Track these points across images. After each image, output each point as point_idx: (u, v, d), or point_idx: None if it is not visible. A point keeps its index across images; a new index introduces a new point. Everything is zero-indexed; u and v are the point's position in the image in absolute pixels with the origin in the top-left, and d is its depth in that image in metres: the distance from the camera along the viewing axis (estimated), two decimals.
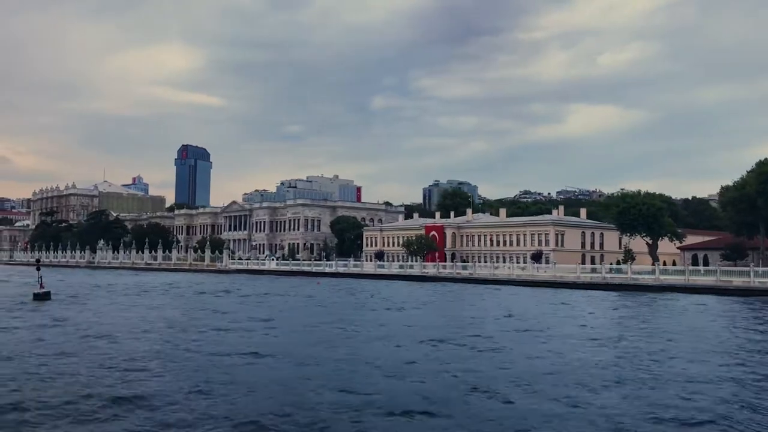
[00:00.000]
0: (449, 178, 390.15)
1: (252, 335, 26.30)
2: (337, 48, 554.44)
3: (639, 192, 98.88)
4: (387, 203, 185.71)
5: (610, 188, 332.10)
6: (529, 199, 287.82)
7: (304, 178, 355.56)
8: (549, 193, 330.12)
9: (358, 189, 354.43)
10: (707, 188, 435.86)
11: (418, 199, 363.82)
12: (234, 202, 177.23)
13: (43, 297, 45.84)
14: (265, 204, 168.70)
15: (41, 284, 46.70)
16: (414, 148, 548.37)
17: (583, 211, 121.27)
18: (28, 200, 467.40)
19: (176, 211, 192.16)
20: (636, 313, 40.15)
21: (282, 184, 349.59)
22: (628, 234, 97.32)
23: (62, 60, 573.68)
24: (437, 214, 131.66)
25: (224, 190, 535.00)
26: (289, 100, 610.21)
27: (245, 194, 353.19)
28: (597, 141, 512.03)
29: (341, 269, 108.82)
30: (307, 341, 24.70)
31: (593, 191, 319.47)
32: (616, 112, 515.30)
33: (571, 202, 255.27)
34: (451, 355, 21.36)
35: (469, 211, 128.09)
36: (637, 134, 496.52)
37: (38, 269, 48.03)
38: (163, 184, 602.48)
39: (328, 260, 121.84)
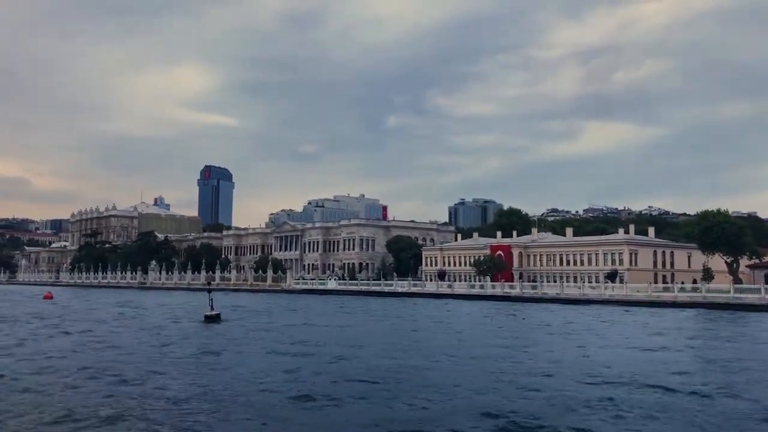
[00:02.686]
0: (467, 196, 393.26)
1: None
2: (353, 67, 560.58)
3: (718, 210, 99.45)
4: (413, 221, 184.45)
5: (637, 206, 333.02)
6: (559, 217, 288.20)
7: (331, 197, 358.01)
8: (577, 211, 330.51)
9: (384, 208, 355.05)
10: (737, 204, 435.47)
11: (442, 216, 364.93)
12: (285, 223, 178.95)
13: (213, 319, 46.69)
14: (318, 224, 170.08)
15: (212, 306, 47.62)
16: (430, 166, 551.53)
17: (651, 230, 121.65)
18: (52, 221, 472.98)
19: (225, 232, 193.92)
20: None
21: (309, 203, 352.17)
22: (708, 252, 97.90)
23: (81, 81, 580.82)
24: (498, 234, 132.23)
25: (244, 209, 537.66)
26: (304, 119, 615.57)
27: (271, 214, 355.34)
28: (614, 158, 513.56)
29: (414, 289, 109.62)
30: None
31: (622, 209, 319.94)
32: (633, 129, 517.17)
33: (601, 220, 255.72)
34: None
35: (534, 230, 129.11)
36: (654, 151, 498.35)
37: (209, 292, 49.00)
38: (181, 203, 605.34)
39: (386, 280, 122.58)
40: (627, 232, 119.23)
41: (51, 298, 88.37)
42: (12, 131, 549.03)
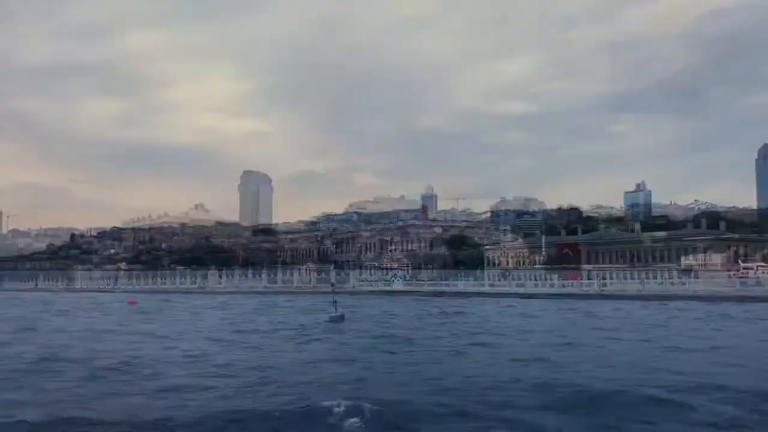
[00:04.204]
0: (502, 194, 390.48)
1: None
2: (384, 68, 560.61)
3: None
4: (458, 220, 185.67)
5: (678, 199, 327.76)
6: (605, 213, 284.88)
7: (371, 199, 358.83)
8: (621, 206, 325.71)
9: (425, 208, 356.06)
10: None
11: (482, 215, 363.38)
12: (340, 224, 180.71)
13: (338, 319, 47.75)
14: (373, 225, 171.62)
15: (335, 308, 48.68)
16: (463, 165, 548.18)
17: (721, 224, 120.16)
18: (97, 229, 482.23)
19: (279, 235, 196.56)
20: None
21: (350, 205, 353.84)
22: None
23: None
24: (563, 231, 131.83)
25: (284, 213, 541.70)
26: (336, 122, 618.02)
27: (313, 217, 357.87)
28: (649, 152, 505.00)
29: (482, 289, 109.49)
30: None
31: (669, 203, 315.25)
32: (666, 122, 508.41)
33: (650, 215, 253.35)
34: None
35: (601, 226, 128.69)
36: (689, 144, 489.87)
37: (333, 294, 50.10)
38: (221, 209, 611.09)
39: (447, 279, 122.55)
40: (697, 226, 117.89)
41: (136, 303, 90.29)
42: (51, 139, 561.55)
